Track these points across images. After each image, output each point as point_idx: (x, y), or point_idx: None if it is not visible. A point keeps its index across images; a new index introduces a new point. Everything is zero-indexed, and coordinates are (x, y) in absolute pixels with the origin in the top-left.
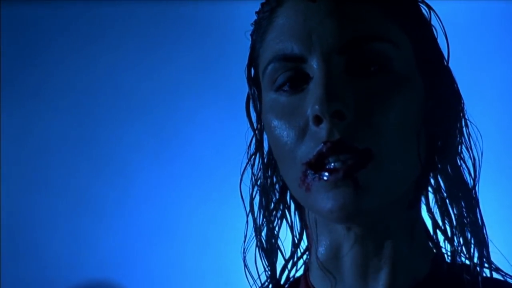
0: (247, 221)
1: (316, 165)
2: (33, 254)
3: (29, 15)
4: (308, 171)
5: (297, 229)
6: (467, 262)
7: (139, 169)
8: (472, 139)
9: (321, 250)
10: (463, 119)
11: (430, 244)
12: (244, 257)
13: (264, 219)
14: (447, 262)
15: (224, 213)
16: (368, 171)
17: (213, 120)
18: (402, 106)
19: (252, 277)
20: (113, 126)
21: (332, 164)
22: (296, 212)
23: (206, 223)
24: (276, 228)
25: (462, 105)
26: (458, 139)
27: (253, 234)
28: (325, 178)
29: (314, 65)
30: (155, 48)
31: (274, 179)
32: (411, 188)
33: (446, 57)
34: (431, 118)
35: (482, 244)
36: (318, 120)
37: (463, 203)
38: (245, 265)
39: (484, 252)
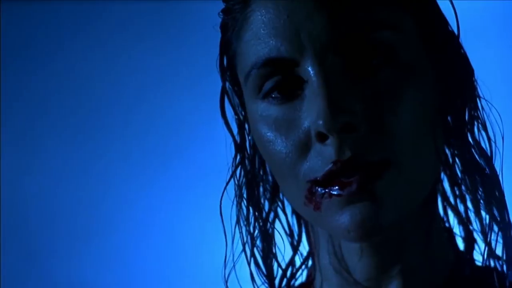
0: (225, 236)
1: (324, 181)
2: (33, 254)
3: (29, 14)
4: (315, 188)
5: (295, 229)
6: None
7: (142, 170)
8: (487, 116)
9: (326, 260)
10: (475, 96)
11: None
12: (226, 281)
13: (256, 225)
14: (470, 261)
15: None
16: (385, 182)
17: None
18: (414, 101)
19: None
20: (115, 125)
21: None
22: (293, 215)
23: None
24: (270, 232)
25: (473, 78)
26: (473, 115)
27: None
28: (336, 193)
29: (309, 69)
30: (161, 50)
31: (263, 177)
32: None
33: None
34: (442, 102)
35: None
36: (322, 138)
37: (480, 189)
38: None
39: None
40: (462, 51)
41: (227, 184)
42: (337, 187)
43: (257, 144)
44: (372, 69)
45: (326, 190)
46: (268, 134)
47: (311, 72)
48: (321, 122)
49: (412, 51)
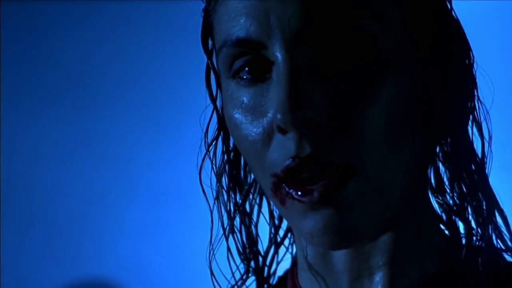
0: (211, 215)
1: (287, 177)
2: (33, 253)
3: (29, 13)
4: (280, 184)
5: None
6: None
7: (140, 167)
8: (482, 113)
9: (307, 249)
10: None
11: (443, 227)
12: (210, 262)
13: (236, 206)
14: (465, 247)
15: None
16: (350, 191)
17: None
18: (388, 100)
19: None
20: (113, 123)
21: (306, 179)
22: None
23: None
24: (254, 211)
25: (472, 70)
26: (466, 112)
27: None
28: (298, 198)
29: (276, 54)
30: (159, 47)
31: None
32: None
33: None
34: (431, 96)
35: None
36: (283, 130)
37: (473, 178)
38: (212, 273)
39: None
40: (463, 40)
41: (203, 160)
42: (299, 193)
43: (227, 124)
44: (347, 62)
45: (290, 191)
46: (235, 117)
47: (278, 57)
48: (279, 116)
49: (394, 44)
